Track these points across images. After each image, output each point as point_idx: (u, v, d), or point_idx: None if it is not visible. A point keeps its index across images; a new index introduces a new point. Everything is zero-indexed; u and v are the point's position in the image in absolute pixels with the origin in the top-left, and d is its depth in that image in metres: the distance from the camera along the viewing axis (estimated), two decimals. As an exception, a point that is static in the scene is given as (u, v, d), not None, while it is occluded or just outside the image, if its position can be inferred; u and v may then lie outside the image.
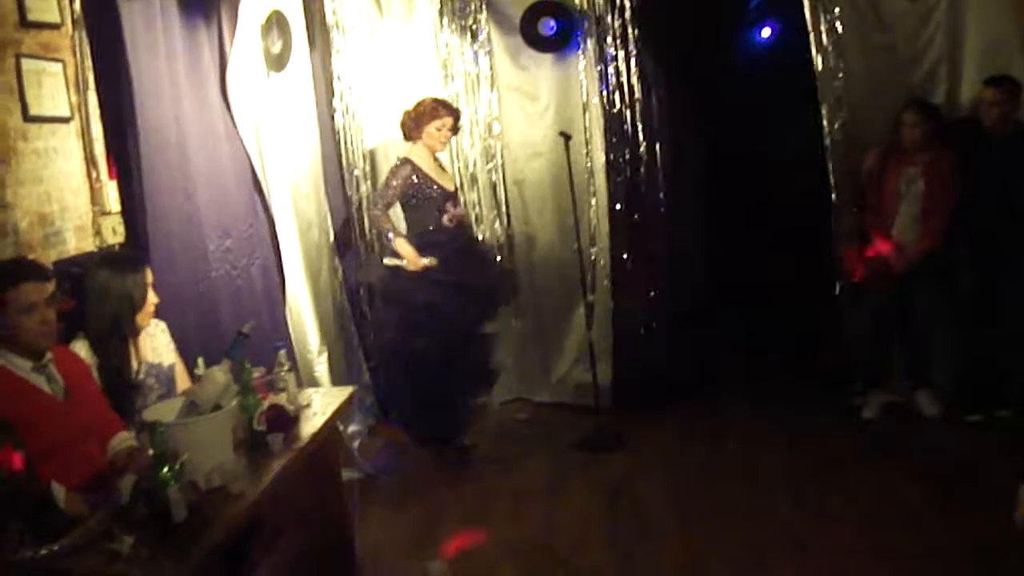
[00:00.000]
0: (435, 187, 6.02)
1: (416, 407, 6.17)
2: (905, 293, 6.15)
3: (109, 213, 4.81)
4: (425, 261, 5.90)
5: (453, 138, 6.39)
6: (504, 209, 7.11)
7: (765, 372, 7.27)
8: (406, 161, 6.05)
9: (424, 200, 6.04)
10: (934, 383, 6.26)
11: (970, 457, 5.48)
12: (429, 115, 5.98)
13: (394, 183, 6.01)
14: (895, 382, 6.39)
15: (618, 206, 6.78)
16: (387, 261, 6.07)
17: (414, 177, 5.99)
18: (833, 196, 6.44)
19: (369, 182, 6.90)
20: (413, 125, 6.07)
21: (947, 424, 6.02)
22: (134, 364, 4.11)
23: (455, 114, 6.13)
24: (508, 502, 5.57)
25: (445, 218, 6.05)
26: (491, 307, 6.35)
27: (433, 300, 5.88)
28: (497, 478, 5.93)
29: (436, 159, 6.17)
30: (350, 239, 6.90)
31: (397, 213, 6.18)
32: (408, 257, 5.92)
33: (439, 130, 6.02)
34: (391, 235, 5.99)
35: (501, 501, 5.59)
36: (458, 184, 6.44)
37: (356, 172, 6.84)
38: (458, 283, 5.97)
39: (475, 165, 6.96)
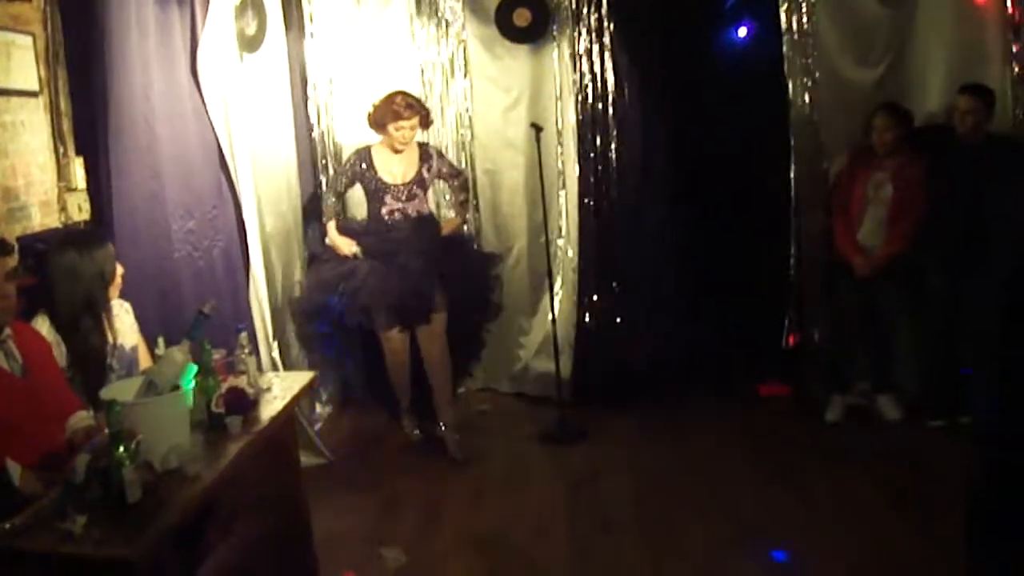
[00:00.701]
0: (376, 179, 6.10)
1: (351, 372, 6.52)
2: (870, 297, 6.17)
3: (75, 189, 4.77)
4: (352, 249, 6.06)
5: (421, 132, 6.31)
6: (472, 199, 7.08)
7: (730, 368, 7.29)
8: (361, 150, 6.24)
9: (368, 189, 6.19)
10: (897, 387, 6.29)
11: (930, 463, 5.51)
12: (392, 116, 5.98)
13: (342, 168, 6.33)
14: (858, 385, 6.41)
15: (587, 199, 6.77)
16: (326, 240, 6.29)
17: (360, 165, 6.15)
18: (792, 196, 6.53)
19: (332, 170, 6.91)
20: (376, 122, 6.11)
21: (909, 429, 6.05)
22: (109, 342, 4.09)
23: (420, 114, 6.10)
24: (468, 492, 5.57)
25: (383, 211, 6.11)
26: (430, 305, 6.02)
27: (350, 289, 5.97)
28: (458, 467, 5.93)
29: (399, 152, 6.13)
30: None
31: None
32: (332, 242, 6.16)
33: (398, 130, 6.00)
34: (327, 219, 6.23)
35: (461, 490, 5.60)
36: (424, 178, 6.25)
37: (327, 159, 6.86)
38: (383, 275, 5.95)
39: (446, 153, 6.90)
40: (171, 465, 3.20)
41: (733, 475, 5.58)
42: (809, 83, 6.35)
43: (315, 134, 6.85)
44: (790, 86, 6.41)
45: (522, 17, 6.78)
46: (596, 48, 6.63)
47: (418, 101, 6.17)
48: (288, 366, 6.04)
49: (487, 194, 7.17)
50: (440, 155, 6.45)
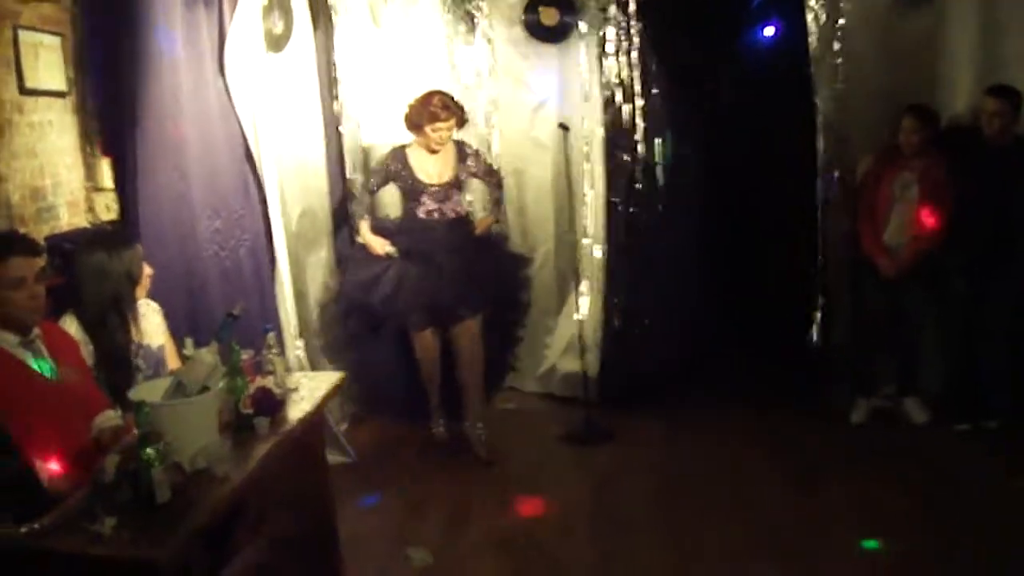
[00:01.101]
0: (411, 179, 6.05)
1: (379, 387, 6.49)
2: (895, 298, 6.14)
3: (103, 189, 4.80)
4: (388, 249, 6.00)
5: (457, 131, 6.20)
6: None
7: (756, 369, 7.26)
8: (396, 148, 6.18)
9: (404, 189, 6.16)
10: (923, 390, 6.25)
11: (955, 467, 5.50)
12: (429, 117, 5.92)
13: (377, 168, 6.29)
14: (884, 388, 6.37)
15: (614, 199, 6.75)
16: (358, 239, 6.26)
17: (396, 165, 6.10)
18: (818, 197, 6.48)
19: (366, 169, 6.86)
20: (413, 123, 6.05)
21: (934, 432, 6.02)
22: (133, 342, 4.10)
23: (457, 115, 6.04)
24: (494, 492, 5.56)
25: (420, 211, 6.06)
26: (467, 305, 6.03)
27: (386, 290, 5.93)
28: (483, 467, 5.93)
29: (435, 152, 6.06)
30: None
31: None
32: (365, 241, 6.12)
33: (435, 131, 5.95)
34: (360, 218, 6.23)
35: (487, 490, 5.59)
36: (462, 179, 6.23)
37: (354, 158, 6.83)
38: (419, 275, 5.93)
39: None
40: (199, 466, 3.19)
41: (757, 478, 5.56)
42: (836, 84, 6.31)
43: (343, 133, 6.78)
44: (816, 86, 6.38)
45: (550, 16, 6.77)
46: (624, 47, 6.61)
47: (455, 101, 6.11)
48: (314, 366, 6.03)
49: (513, 194, 7.12)
50: (477, 154, 6.36)
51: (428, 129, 5.94)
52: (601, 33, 6.63)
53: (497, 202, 6.50)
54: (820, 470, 5.58)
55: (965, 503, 4.96)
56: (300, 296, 6.04)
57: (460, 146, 6.23)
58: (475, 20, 6.89)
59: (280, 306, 5.74)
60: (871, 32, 6.31)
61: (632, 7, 6.53)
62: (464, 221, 6.26)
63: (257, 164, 5.53)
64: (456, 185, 6.15)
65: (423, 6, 6.88)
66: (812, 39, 6.32)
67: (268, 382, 3.91)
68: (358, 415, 6.67)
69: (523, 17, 6.86)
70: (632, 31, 6.58)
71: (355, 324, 6.18)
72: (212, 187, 5.15)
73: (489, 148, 6.95)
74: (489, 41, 6.92)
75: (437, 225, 6.07)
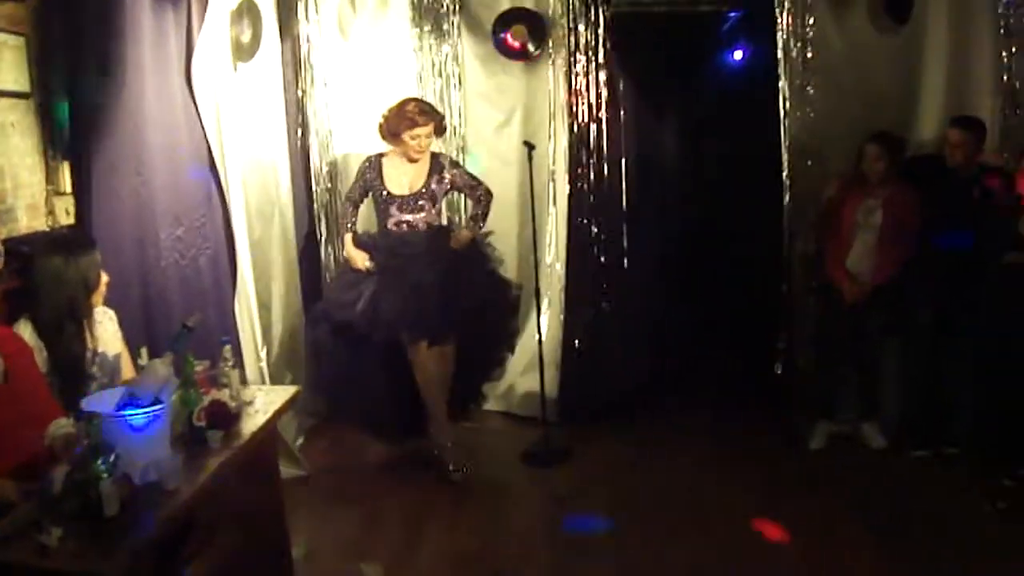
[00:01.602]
0: (383, 190, 5.96)
1: (354, 400, 6.23)
2: (857, 323, 6.16)
3: (64, 193, 4.73)
4: (366, 264, 5.90)
5: (436, 139, 6.16)
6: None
7: (718, 392, 7.26)
8: (372, 157, 6.07)
9: (376, 200, 6.06)
10: (882, 415, 6.27)
11: (914, 494, 5.52)
12: (406, 124, 5.82)
13: (356, 178, 6.14)
14: (843, 412, 6.38)
15: (578, 218, 6.77)
16: (342, 253, 6.18)
17: (370, 173, 6.02)
18: (785, 221, 6.57)
19: (331, 180, 6.89)
20: (390, 131, 5.95)
21: (893, 458, 6.04)
22: (88, 349, 4.05)
23: (435, 120, 5.96)
24: (450, 509, 5.54)
25: (390, 223, 5.97)
26: (437, 324, 5.86)
27: (366, 305, 5.77)
28: (440, 485, 5.88)
29: (415, 161, 5.97)
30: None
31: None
32: (348, 255, 6.02)
33: (413, 139, 5.85)
34: (343, 230, 6.15)
35: (443, 508, 5.56)
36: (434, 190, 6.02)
37: (319, 170, 6.83)
38: (396, 290, 5.76)
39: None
40: (150, 479, 3.17)
41: (715, 501, 5.55)
42: (804, 108, 6.36)
43: (309, 144, 6.80)
44: (784, 111, 6.43)
45: (519, 33, 6.77)
46: (592, 67, 6.63)
47: (431, 107, 6.07)
48: (277, 379, 6.01)
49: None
50: (455, 164, 6.26)
51: (406, 136, 5.85)
52: (569, 52, 6.65)
53: (475, 218, 6.26)
54: (778, 495, 5.57)
55: (923, 530, 5.00)
56: (263, 307, 6.00)
57: (436, 157, 6.12)
58: (445, 34, 6.86)
59: (241, 316, 5.70)
60: (840, 58, 6.37)
61: (601, 27, 6.55)
62: (441, 233, 6.12)
63: (221, 173, 5.49)
64: (427, 196, 5.99)
65: (392, 20, 6.86)
66: (781, 62, 6.38)
67: (223, 395, 3.88)
68: (316, 428, 6.63)
69: (492, 34, 6.84)
70: (601, 51, 6.60)
71: (326, 336, 5.98)
72: (175, 195, 5.09)
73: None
74: (457, 56, 6.91)
75: (410, 238, 5.94)
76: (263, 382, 5.71)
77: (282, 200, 6.45)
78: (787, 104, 6.45)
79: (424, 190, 5.99)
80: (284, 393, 4.37)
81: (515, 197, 6.97)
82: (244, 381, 4.60)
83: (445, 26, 6.84)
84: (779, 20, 6.49)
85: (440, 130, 6.09)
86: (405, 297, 5.73)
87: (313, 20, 6.64)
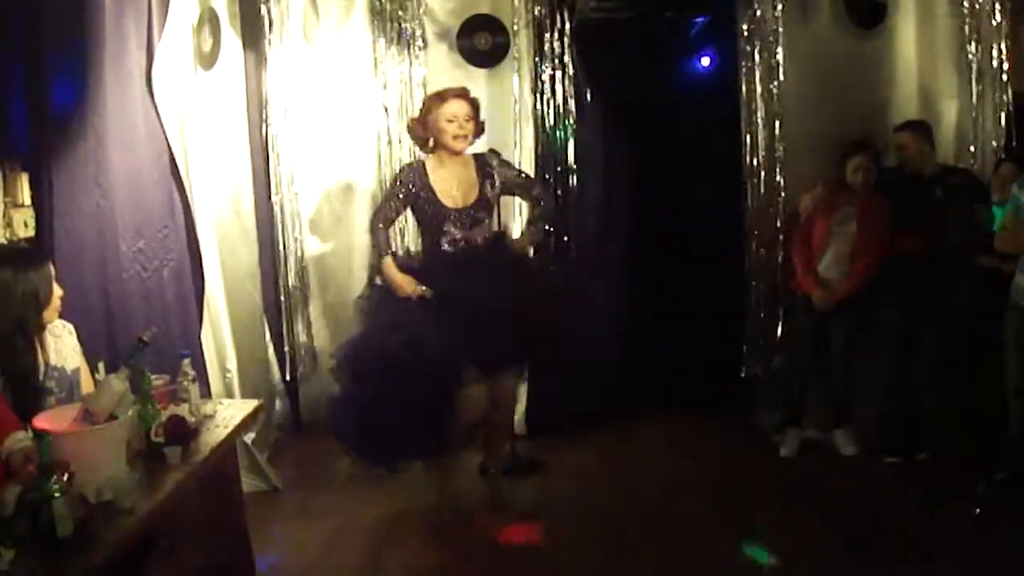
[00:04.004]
0: (432, 201, 5.23)
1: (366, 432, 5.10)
2: (827, 331, 6.17)
3: (22, 205, 4.65)
4: (418, 289, 5.12)
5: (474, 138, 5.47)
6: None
7: (685, 398, 7.22)
8: (413, 164, 5.47)
9: (424, 215, 5.33)
10: (854, 422, 6.28)
11: (887, 501, 5.51)
12: (435, 101, 5.21)
13: (392, 191, 5.42)
14: (814, 419, 6.38)
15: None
16: (379, 279, 5.41)
17: (412, 185, 5.29)
18: (748, 228, 6.70)
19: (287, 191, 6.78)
20: (421, 126, 5.34)
21: (865, 464, 6.05)
22: (40, 365, 3.97)
23: (466, 97, 5.31)
24: (416, 524, 5.46)
25: (444, 242, 5.25)
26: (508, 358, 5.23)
27: (414, 337, 4.90)
28: (407, 499, 5.79)
29: (458, 153, 5.30)
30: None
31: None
32: (393, 282, 5.21)
33: (450, 122, 5.17)
34: (381, 253, 5.33)
35: (410, 522, 5.49)
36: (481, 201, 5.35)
37: (278, 178, 6.73)
38: (453, 322, 4.89)
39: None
40: (105, 498, 3.10)
41: (685, 511, 5.50)
42: (768, 117, 6.41)
43: (270, 152, 6.69)
44: (745, 118, 6.51)
45: (482, 40, 6.73)
46: (558, 74, 6.62)
47: (464, 90, 5.45)
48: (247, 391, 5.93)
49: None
50: (503, 162, 5.55)
51: (441, 120, 5.19)
52: (535, 59, 6.64)
53: (533, 223, 5.63)
54: (750, 506, 5.54)
55: (896, 536, 4.98)
56: (233, 318, 5.93)
57: (479, 157, 5.46)
58: (408, 41, 6.77)
59: (207, 328, 5.65)
60: (805, 65, 6.40)
61: (567, 33, 6.54)
62: (498, 244, 5.43)
63: (185, 183, 5.43)
64: (484, 206, 5.31)
65: (354, 27, 6.80)
66: (743, 70, 6.43)
67: (182, 410, 3.81)
68: (284, 441, 6.57)
69: (457, 40, 6.81)
70: (566, 57, 6.58)
71: (368, 384, 5.02)
72: (137, 206, 5.02)
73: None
74: (422, 63, 6.83)
75: (468, 255, 5.23)
76: (230, 395, 5.65)
77: (246, 209, 6.38)
78: (751, 109, 6.48)
79: (480, 200, 5.30)
80: (245, 407, 4.30)
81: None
82: (209, 395, 4.54)
83: (408, 33, 6.75)
84: (741, 24, 6.57)
85: (476, 108, 5.41)
86: (468, 326, 4.86)
87: (276, 26, 6.57)
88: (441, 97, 5.21)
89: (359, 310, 5.43)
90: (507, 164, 5.59)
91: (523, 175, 5.69)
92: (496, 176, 5.39)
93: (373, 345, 5.07)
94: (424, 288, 5.10)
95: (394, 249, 5.52)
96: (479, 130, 5.42)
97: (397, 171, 5.57)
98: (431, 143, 5.37)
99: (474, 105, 5.34)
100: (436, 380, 4.88)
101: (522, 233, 5.79)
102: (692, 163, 7.39)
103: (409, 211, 5.53)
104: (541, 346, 5.24)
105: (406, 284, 5.13)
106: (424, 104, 5.38)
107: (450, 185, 5.26)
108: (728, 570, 4.79)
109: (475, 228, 5.27)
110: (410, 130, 5.48)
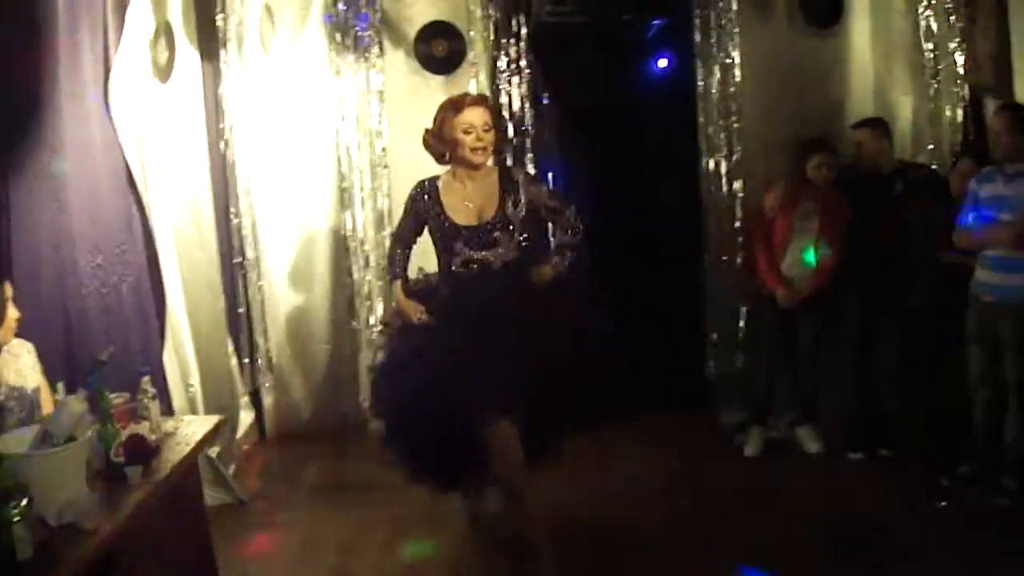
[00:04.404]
0: (444, 220, 4.70)
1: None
2: (790, 327, 6.21)
3: (-20, 222, 4.62)
4: (419, 315, 4.66)
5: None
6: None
7: (647, 400, 7.21)
8: (425, 181, 4.87)
9: (433, 233, 4.82)
10: (818, 419, 6.33)
11: (852, 497, 5.55)
12: (451, 109, 4.65)
13: (404, 209, 4.96)
14: (778, 417, 6.43)
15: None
16: (393, 305, 4.99)
17: (420, 202, 4.81)
18: (707, 227, 6.78)
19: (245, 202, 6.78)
20: (435, 140, 4.78)
21: (829, 461, 6.09)
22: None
23: (484, 103, 4.75)
24: (384, 533, 5.44)
25: (455, 262, 4.68)
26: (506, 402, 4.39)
27: (434, 369, 4.38)
28: (375, 509, 5.77)
29: (478, 166, 4.71)
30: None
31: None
32: (398, 308, 4.82)
33: (467, 133, 4.59)
34: (391, 277, 4.98)
35: (377, 531, 5.47)
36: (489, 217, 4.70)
37: (235, 191, 6.72)
38: (466, 352, 4.35)
39: (362, 190, 6.86)
40: (66, 520, 3.07)
41: (650, 514, 5.51)
42: (726, 118, 6.44)
43: (227, 164, 6.70)
44: (702, 119, 6.60)
45: (439, 47, 6.74)
46: (515, 79, 6.62)
47: (483, 96, 4.98)
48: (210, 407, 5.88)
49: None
50: (532, 180, 4.95)
51: (457, 130, 4.62)
52: (492, 64, 6.68)
53: (562, 248, 4.86)
54: (714, 505, 5.56)
55: (862, 533, 5.02)
56: (195, 333, 5.92)
57: (506, 172, 4.87)
58: (364, 49, 6.77)
59: (169, 343, 5.61)
60: (762, 64, 6.45)
61: (523, 38, 6.55)
62: (521, 269, 4.74)
63: (143, 197, 5.39)
64: (502, 225, 4.65)
65: (310, 35, 6.80)
66: (700, 71, 6.47)
67: (142, 428, 3.78)
68: (250, 453, 6.54)
69: (414, 47, 6.81)
70: (523, 61, 6.58)
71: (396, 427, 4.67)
72: (94, 221, 4.98)
73: (380, 183, 6.90)
74: (379, 71, 6.84)
75: (481, 279, 4.65)
76: (193, 410, 5.62)
77: (204, 220, 6.34)
78: (707, 109, 6.56)
79: (499, 218, 4.67)
80: (207, 423, 4.26)
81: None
82: (171, 410, 4.50)
83: (365, 41, 6.76)
84: (696, 26, 6.64)
85: (497, 113, 5.10)
86: (481, 362, 4.31)
87: (233, 37, 6.55)
88: (456, 105, 4.65)
89: (384, 339, 5.08)
90: (538, 183, 4.98)
91: (555, 195, 4.96)
92: (522, 193, 4.71)
93: (385, 376, 4.73)
94: (425, 315, 4.65)
95: (407, 272, 4.99)
96: (501, 139, 5.04)
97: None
98: (447, 156, 4.82)
99: (494, 112, 4.81)
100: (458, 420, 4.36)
101: (550, 260, 4.87)
102: (652, 164, 7.43)
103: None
104: (537, 388, 4.47)
105: (410, 310, 4.68)
106: (438, 113, 4.74)
107: (462, 200, 4.72)
108: (697, 570, 4.82)
109: (491, 249, 4.65)
110: (425, 143, 4.83)
